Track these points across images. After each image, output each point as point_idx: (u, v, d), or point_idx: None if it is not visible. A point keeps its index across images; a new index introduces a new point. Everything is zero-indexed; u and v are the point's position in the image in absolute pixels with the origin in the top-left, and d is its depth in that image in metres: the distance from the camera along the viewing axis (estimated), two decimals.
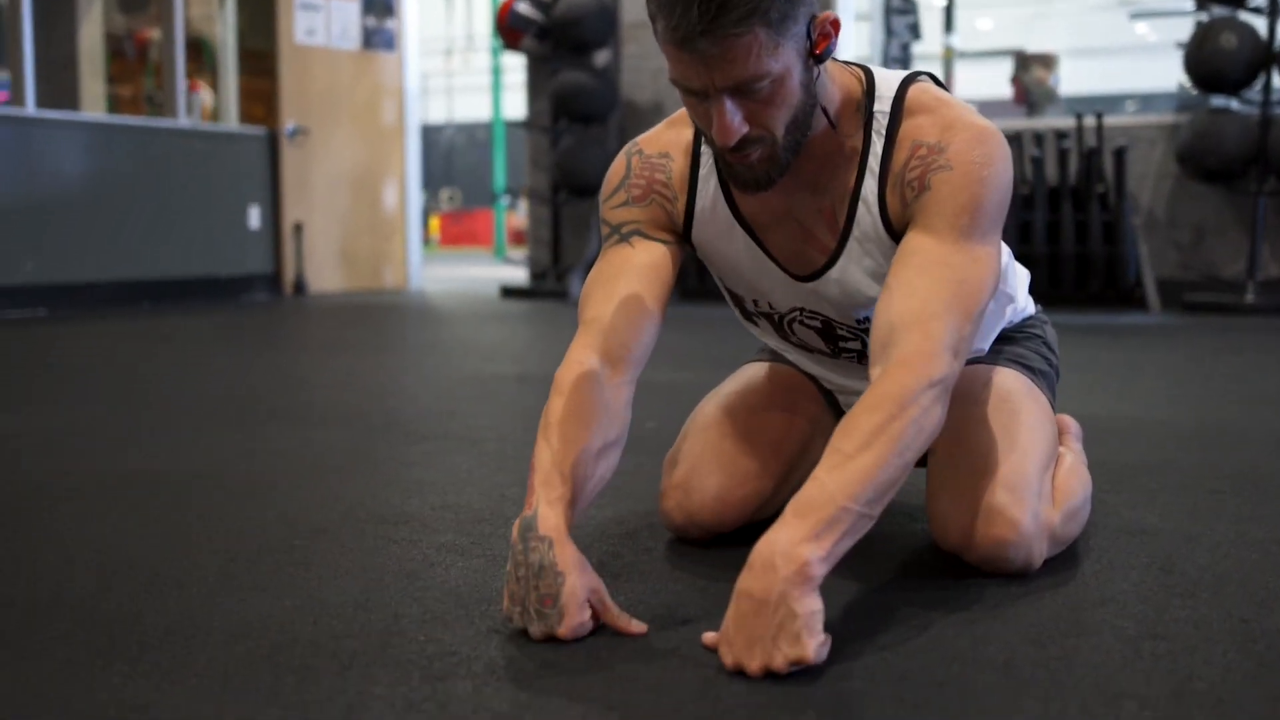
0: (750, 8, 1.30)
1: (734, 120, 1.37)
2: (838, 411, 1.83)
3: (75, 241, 6.56)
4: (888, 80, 1.53)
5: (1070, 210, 6.29)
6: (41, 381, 3.83)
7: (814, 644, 1.21)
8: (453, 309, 6.96)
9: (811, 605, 1.23)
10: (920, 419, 1.33)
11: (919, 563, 1.68)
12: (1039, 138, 6.42)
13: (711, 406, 1.82)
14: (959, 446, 1.60)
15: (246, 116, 7.75)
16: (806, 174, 1.52)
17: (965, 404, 1.63)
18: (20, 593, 1.57)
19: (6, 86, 6.97)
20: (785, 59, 1.35)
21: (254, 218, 7.50)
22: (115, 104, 7.89)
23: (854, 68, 1.55)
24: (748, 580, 1.25)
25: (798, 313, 1.67)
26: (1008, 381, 1.69)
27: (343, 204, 8.02)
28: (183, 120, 7.18)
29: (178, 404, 3.35)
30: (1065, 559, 1.66)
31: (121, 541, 1.82)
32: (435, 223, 18.51)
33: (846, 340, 1.69)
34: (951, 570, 1.60)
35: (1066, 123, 6.62)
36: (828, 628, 1.26)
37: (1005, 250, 1.68)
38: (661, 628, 1.39)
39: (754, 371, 1.87)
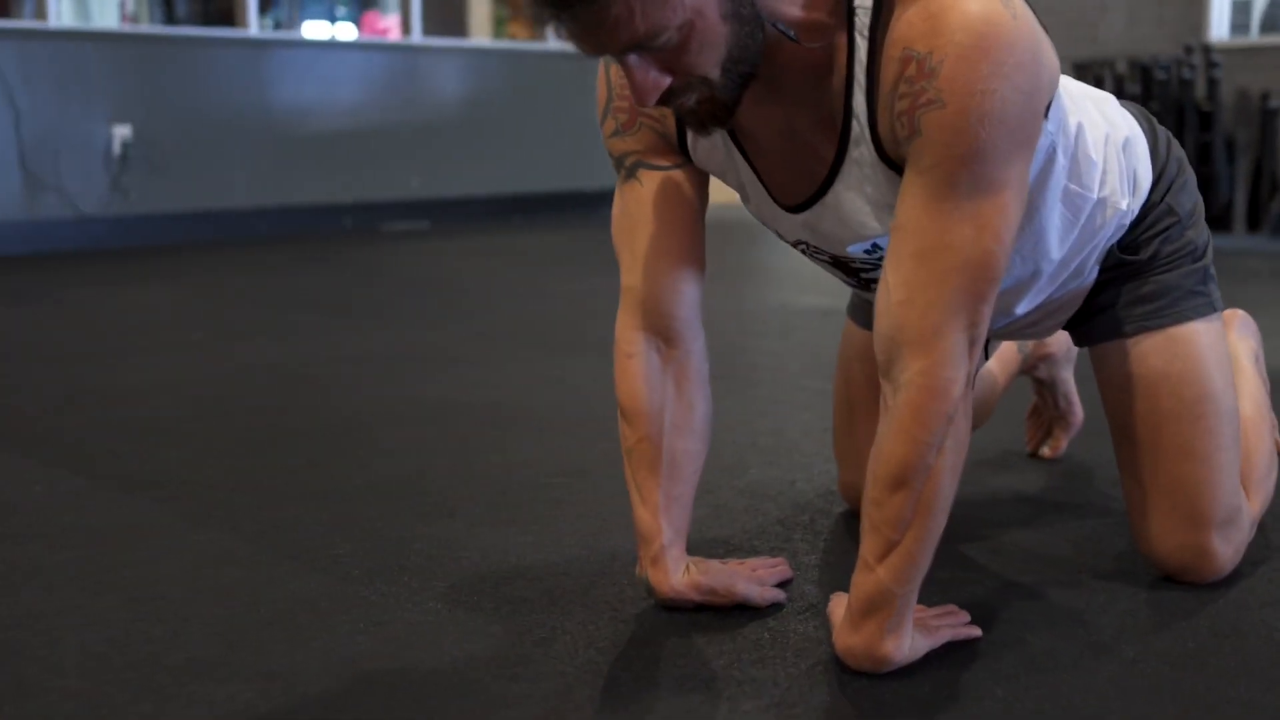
0: None
1: (647, 79, 1.18)
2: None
3: (455, 158, 7.17)
4: None
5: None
6: (407, 299, 4.33)
7: (923, 652, 1.32)
8: None
9: (912, 660, 1.30)
10: (950, 461, 1.23)
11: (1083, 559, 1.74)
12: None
13: (841, 390, 1.82)
14: (1161, 473, 1.51)
15: None
16: (792, 83, 1.29)
17: (1154, 407, 1.51)
18: (312, 515, 1.91)
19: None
20: (687, 2, 1.14)
21: None
22: (502, 28, 8.46)
23: None
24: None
25: (804, 246, 1.49)
26: (1184, 360, 1.50)
27: None
28: (551, 43, 7.63)
29: (508, 325, 3.72)
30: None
31: (412, 470, 2.16)
32: None
33: (867, 270, 1.49)
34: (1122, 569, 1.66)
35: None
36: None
37: (1092, 124, 1.45)
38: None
39: (852, 340, 1.80)
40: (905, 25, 1.20)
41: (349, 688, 1.31)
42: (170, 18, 7.37)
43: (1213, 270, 1.59)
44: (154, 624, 1.48)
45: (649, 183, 1.44)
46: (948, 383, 1.22)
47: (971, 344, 1.23)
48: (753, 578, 1.51)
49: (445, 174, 7.14)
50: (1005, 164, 1.20)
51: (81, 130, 5.79)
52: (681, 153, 1.44)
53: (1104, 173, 1.47)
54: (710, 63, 1.19)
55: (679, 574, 1.47)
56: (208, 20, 7.12)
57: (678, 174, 1.44)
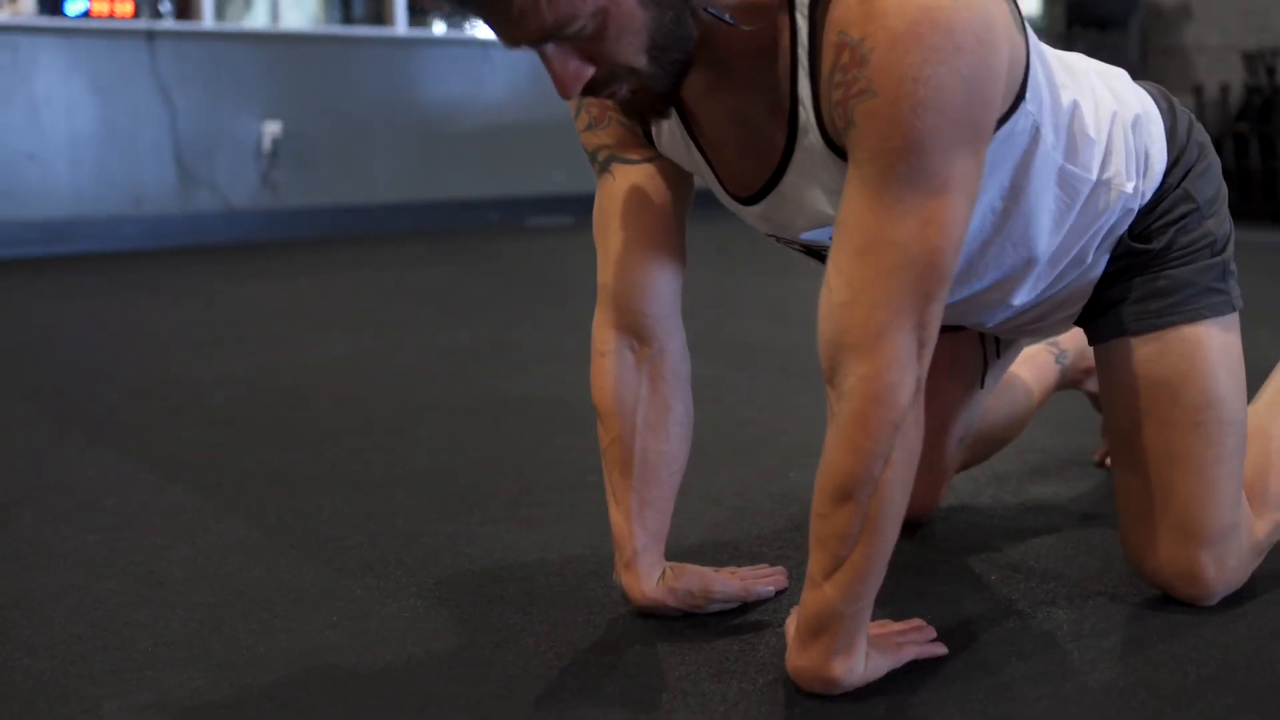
0: None
1: (566, 69, 1.13)
2: (986, 346, 1.66)
3: None
4: None
5: None
6: (525, 292, 4.37)
7: (885, 670, 1.25)
8: None
9: (868, 681, 1.23)
10: (898, 474, 1.16)
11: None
12: None
13: None
14: (1153, 482, 1.42)
15: None
16: (740, 68, 1.23)
17: (1152, 414, 1.41)
18: (336, 506, 1.93)
19: None
20: None
21: None
22: None
23: None
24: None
25: (775, 240, 1.44)
26: (1189, 361, 1.40)
27: None
28: None
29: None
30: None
31: (449, 464, 2.16)
32: None
33: None
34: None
35: None
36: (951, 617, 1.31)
37: (1095, 102, 1.36)
38: None
39: None
40: (843, 7, 1.12)
41: (297, 680, 1.31)
42: (347, 18, 7.58)
43: (1234, 266, 1.46)
44: (140, 609, 1.51)
45: (622, 177, 1.40)
46: (894, 388, 1.14)
47: (920, 346, 1.15)
48: (731, 578, 1.46)
49: (589, 169, 7.18)
50: (948, 156, 1.11)
51: (234, 127, 6.01)
52: (652, 146, 1.39)
53: (1107, 153, 1.37)
54: (632, 50, 1.13)
55: (653, 580, 1.43)
56: (379, 20, 7.28)
57: (650, 168, 1.39)
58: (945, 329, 1.53)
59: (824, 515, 1.18)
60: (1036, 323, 1.53)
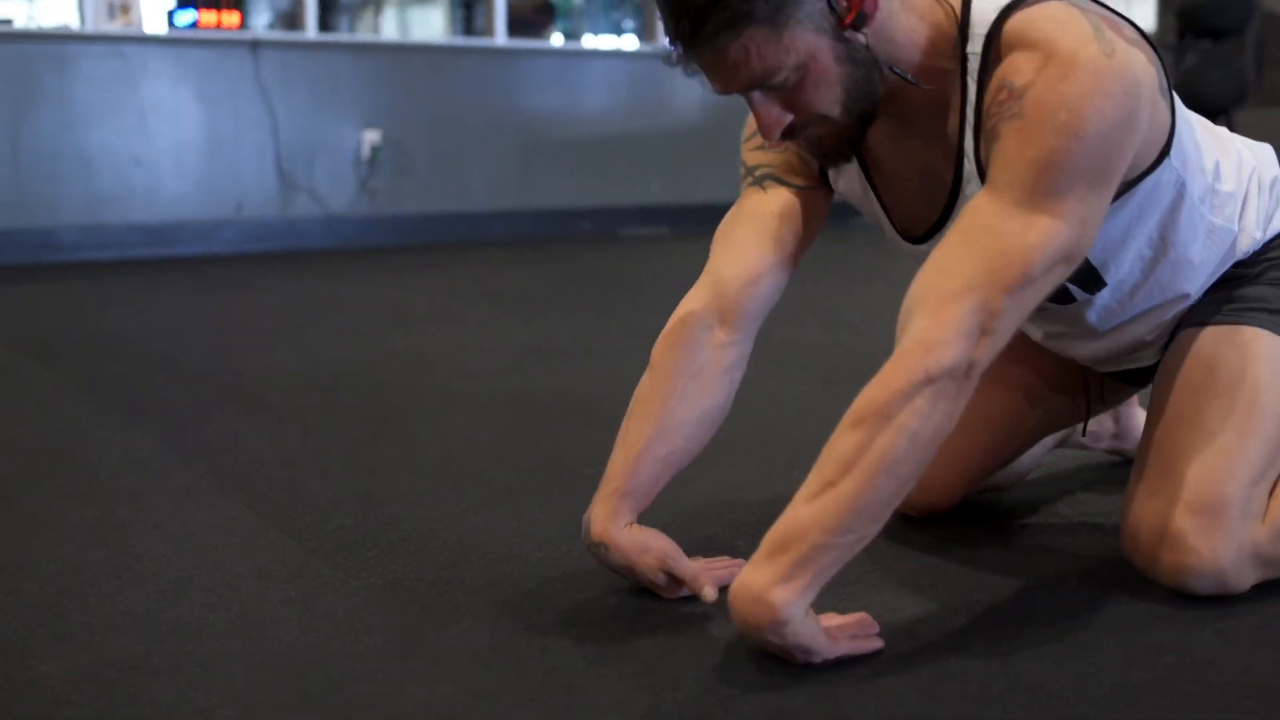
0: (730, 14, 1.22)
1: (770, 114, 1.30)
2: (1064, 375, 1.71)
3: (697, 165, 7.20)
4: (983, 10, 1.32)
5: None
6: (597, 295, 4.39)
7: (817, 658, 1.24)
8: None
9: (798, 639, 1.22)
10: (913, 425, 1.20)
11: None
12: None
13: None
14: (1157, 446, 1.47)
15: None
16: (918, 122, 1.39)
17: (1184, 380, 1.47)
18: (336, 489, 1.96)
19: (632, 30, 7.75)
20: (801, 45, 1.25)
21: None
22: None
23: None
24: (732, 611, 1.24)
25: None
26: (1243, 354, 1.45)
27: None
28: None
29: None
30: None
31: (461, 452, 2.18)
32: None
33: None
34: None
35: None
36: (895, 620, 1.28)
37: (1237, 161, 1.50)
38: None
39: None
40: (1010, 67, 1.27)
41: (231, 650, 1.33)
42: (468, 29, 7.72)
43: None
44: (112, 579, 1.55)
45: (773, 194, 1.50)
46: (940, 344, 1.21)
47: (982, 332, 1.22)
48: (689, 561, 1.44)
49: (687, 180, 7.19)
50: (1071, 182, 1.24)
51: (334, 135, 6.15)
52: (817, 177, 1.51)
53: (1244, 205, 1.51)
54: (827, 101, 1.30)
55: (620, 524, 1.43)
56: (514, 32, 7.37)
57: (803, 195, 1.50)
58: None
59: (834, 438, 1.23)
60: (1136, 346, 1.59)
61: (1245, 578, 1.41)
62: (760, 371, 1.66)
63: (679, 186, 7.15)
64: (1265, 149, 1.60)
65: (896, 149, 1.43)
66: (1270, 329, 1.47)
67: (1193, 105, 5.98)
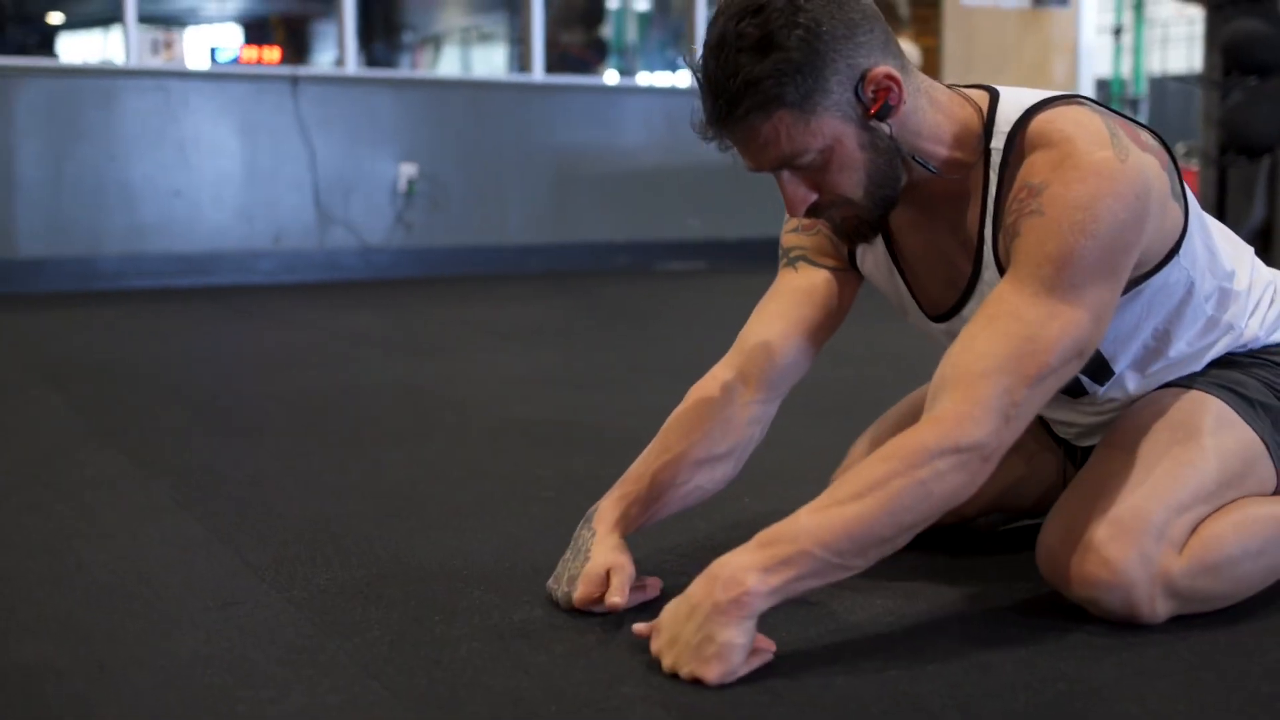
0: (762, 98, 1.30)
1: (796, 193, 1.39)
2: (1047, 435, 1.72)
3: (734, 201, 7.22)
4: (1009, 110, 1.42)
5: None
6: (614, 327, 4.41)
7: (717, 671, 1.24)
8: None
9: (733, 636, 1.24)
10: (930, 482, 1.28)
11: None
12: None
13: (894, 408, 1.79)
14: (1090, 469, 1.49)
15: None
16: (941, 211, 1.48)
17: (1129, 421, 1.51)
18: (291, 506, 1.98)
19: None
20: (828, 130, 1.33)
21: None
22: None
23: (978, 93, 1.46)
24: (695, 585, 1.29)
25: None
26: (1195, 405, 1.50)
27: None
28: None
29: (692, 355, 3.72)
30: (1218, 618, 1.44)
31: (430, 473, 2.20)
32: None
33: None
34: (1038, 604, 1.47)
35: None
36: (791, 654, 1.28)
37: (1252, 269, 1.58)
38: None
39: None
40: (1030, 167, 1.37)
41: (131, 656, 1.36)
42: (524, 67, 7.80)
43: None
44: (42, 587, 1.59)
45: (804, 274, 1.60)
46: (971, 420, 1.29)
47: (1006, 412, 1.30)
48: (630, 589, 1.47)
49: (723, 216, 7.20)
50: (1088, 277, 1.32)
51: (371, 168, 6.25)
52: (845, 259, 1.60)
53: (1253, 308, 1.57)
54: (851, 184, 1.38)
55: (618, 522, 1.51)
56: (565, 68, 7.44)
57: (831, 275, 1.59)
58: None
59: (857, 467, 1.31)
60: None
61: (1158, 606, 1.39)
62: None
63: (715, 222, 7.17)
64: None
65: (919, 235, 1.52)
66: (1227, 402, 1.50)
67: (1238, 142, 5.90)
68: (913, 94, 1.39)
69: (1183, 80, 7.55)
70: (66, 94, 5.64)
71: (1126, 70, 10.76)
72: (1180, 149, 7.61)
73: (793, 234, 1.62)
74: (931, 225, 1.50)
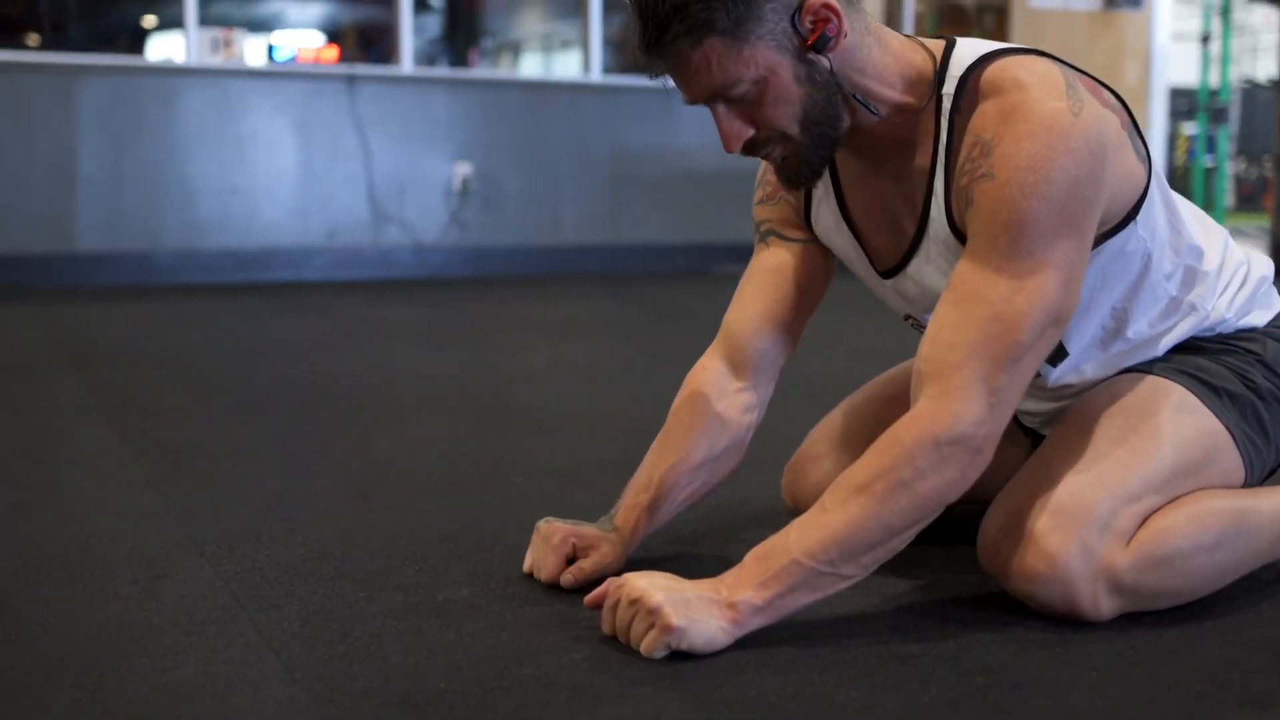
0: (691, 23, 1.26)
1: (732, 127, 1.34)
2: (1020, 428, 1.66)
3: None
4: (963, 56, 1.36)
5: None
6: (648, 324, 4.37)
7: (678, 623, 1.21)
8: None
9: (714, 624, 1.23)
10: (914, 482, 1.24)
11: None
12: None
13: (853, 395, 1.73)
14: (1037, 456, 1.42)
15: None
16: (888, 159, 1.42)
17: (1083, 405, 1.45)
18: (271, 483, 1.97)
19: None
20: (761, 60, 1.29)
21: None
22: None
23: (934, 42, 1.40)
24: (703, 589, 1.26)
25: (912, 320, 1.55)
26: (1153, 390, 1.42)
27: None
28: None
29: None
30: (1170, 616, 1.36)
31: (414, 456, 2.18)
32: None
33: None
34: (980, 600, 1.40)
35: None
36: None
37: (1224, 251, 1.51)
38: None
39: (907, 364, 1.73)
40: (981, 117, 1.31)
41: (30, 628, 1.35)
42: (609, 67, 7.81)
43: (1268, 411, 1.46)
44: (4, 573, 1.59)
45: (776, 249, 1.56)
46: (950, 415, 1.25)
47: (987, 399, 1.26)
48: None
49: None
50: (1049, 238, 1.27)
51: (426, 167, 6.28)
52: (808, 228, 1.55)
53: (1221, 290, 1.50)
54: (786, 118, 1.33)
55: (620, 532, 1.50)
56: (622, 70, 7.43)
57: (803, 249, 1.55)
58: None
59: (836, 481, 1.28)
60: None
61: (1101, 602, 1.32)
62: None
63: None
64: (1262, 256, 1.60)
65: (866, 187, 1.47)
66: (1189, 388, 1.43)
67: None
68: (859, 31, 1.34)
69: (1261, 86, 7.32)
70: (127, 92, 5.74)
71: (1216, 79, 10.45)
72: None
73: (760, 206, 1.59)
74: (879, 174, 1.44)
